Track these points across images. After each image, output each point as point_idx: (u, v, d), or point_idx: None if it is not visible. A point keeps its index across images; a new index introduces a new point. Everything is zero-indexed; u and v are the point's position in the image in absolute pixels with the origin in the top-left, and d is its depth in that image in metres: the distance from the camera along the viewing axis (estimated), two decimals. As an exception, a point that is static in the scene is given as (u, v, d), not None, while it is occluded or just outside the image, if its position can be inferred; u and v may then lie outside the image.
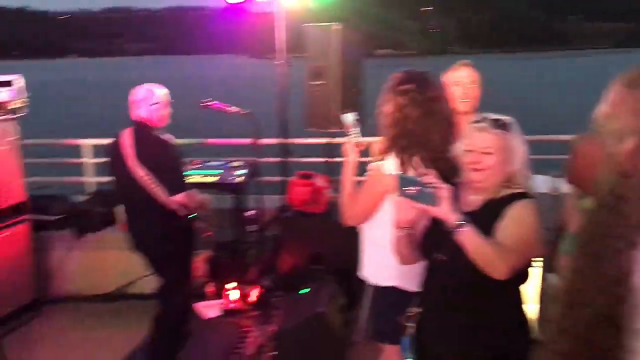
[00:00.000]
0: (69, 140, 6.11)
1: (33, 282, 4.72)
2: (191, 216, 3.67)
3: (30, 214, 4.72)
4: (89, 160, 5.87)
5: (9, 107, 4.36)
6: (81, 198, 5.40)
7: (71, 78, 65.02)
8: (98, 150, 5.84)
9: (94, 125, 20.36)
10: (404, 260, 2.31)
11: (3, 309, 4.33)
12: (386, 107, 2.52)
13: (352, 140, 2.69)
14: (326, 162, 5.15)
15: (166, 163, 3.56)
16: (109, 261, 5.07)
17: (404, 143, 2.45)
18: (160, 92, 3.69)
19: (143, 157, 3.52)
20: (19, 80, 4.49)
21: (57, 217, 5.04)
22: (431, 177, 2.02)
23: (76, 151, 5.98)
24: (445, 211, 1.96)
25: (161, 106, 3.65)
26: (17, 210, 4.55)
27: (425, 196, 1.96)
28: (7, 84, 4.38)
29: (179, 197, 3.53)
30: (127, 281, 4.96)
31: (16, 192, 4.55)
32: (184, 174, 3.68)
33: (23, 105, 4.48)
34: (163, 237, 3.66)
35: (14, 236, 4.51)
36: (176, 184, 3.56)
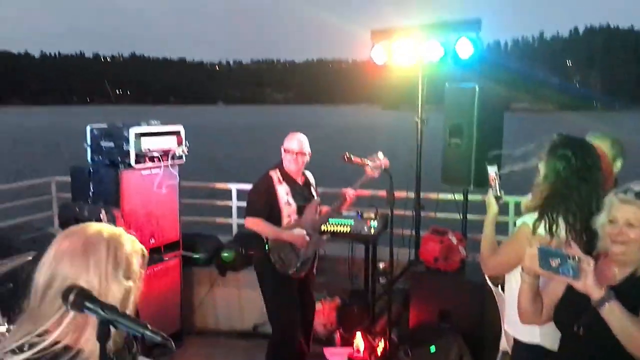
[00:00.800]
0: (219, 184, 6.66)
1: (179, 313, 5.16)
2: (266, 247, 4.05)
3: (182, 250, 5.21)
4: (234, 202, 6.35)
5: (174, 154, 4.90)
6: (226, 238, 5.86)
7: (219, 123, 69.87)
8: (241, 194, 6.32)
9: (240, 168, 21.75)
10: (525, 316, 2.26)
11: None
12: (542, 168, 2.57)
13: (493, 194, 2.81)
14: (461, 219, 5.14)
15: (254, 193, 4.18)
16: (248, 300, 5.40)
17: (554, 206, 2.48)
18: (291, 143, 4.20)
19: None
20: (182, 130, 5.04)
21: (204, 255, 5.50)
22: (575, 249, 2.00)
23: (224, 194, 6.51)
24: (589, 285, 1.92)
25: (288, 153, 4.17)
26: (172, 247, 5.05)
27: (569, 267, 1.94)
28: (175, 133, 4.94)
29: (247, 220, 4.10)
30: (263, 320, 5.23)
31: (173, 231, 5.06)
32: (263, 205, 4.09)
33: (184, 153, 5.01)
34: (255, 263, 4.28)
35: (167, 271, 5.00)
36: (250, 209, 4.12)
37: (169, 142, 4.89)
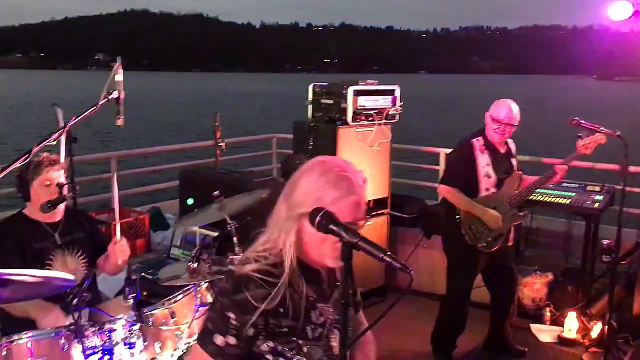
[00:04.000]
0: (428, 148, 6.61)
1: (384, 269, 5.29)
2: (457, 218, 3.86)
3: (390, 209, 5.31)
4: (442, 167, 6.26)
5: (388, 113, 4.96)
6: (433, 202, 5.83)
7: (421, 92, 69.37)
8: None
9: (448, 135, 21.51)
10: None
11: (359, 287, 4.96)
12: None
13: None
14: None
15: (454, 161, 4.04)
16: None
17: None
18: (501, 111, 3.81)
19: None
20: (397, 91, 5.07)
21: (410, 216, 5.55)
22: None
23: (434, 158, 6.45)
24: None
25: (495, 122, 3.81)
26: (381, 204, 5.18)
27: None
28: (390, 92, 5.00)
29: (440, 187, 3.95)
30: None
31: (382, 188, 5.19)
32: (461, 175, 3.86)
33: (398, 112, 5.05)
34: (443, 230, 4.22)
35: (375, 226, 5.13)
36: (446, 177, 3.96)
37: (385, 102, 4.96)
